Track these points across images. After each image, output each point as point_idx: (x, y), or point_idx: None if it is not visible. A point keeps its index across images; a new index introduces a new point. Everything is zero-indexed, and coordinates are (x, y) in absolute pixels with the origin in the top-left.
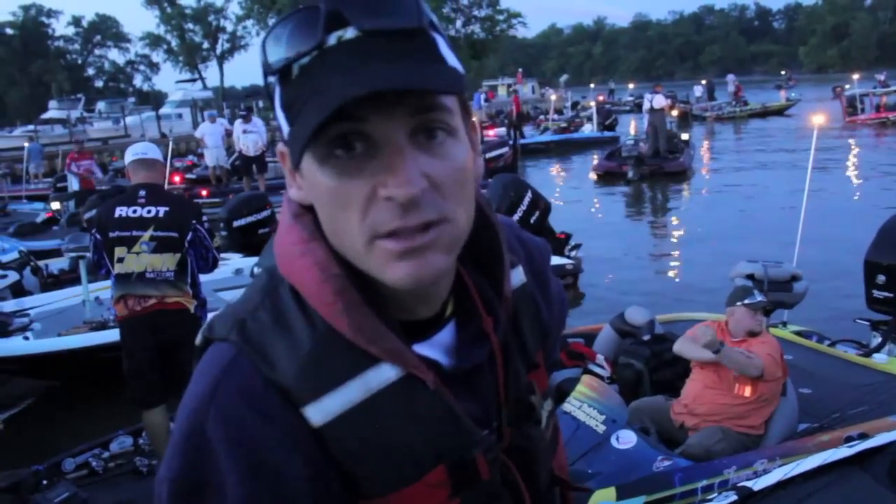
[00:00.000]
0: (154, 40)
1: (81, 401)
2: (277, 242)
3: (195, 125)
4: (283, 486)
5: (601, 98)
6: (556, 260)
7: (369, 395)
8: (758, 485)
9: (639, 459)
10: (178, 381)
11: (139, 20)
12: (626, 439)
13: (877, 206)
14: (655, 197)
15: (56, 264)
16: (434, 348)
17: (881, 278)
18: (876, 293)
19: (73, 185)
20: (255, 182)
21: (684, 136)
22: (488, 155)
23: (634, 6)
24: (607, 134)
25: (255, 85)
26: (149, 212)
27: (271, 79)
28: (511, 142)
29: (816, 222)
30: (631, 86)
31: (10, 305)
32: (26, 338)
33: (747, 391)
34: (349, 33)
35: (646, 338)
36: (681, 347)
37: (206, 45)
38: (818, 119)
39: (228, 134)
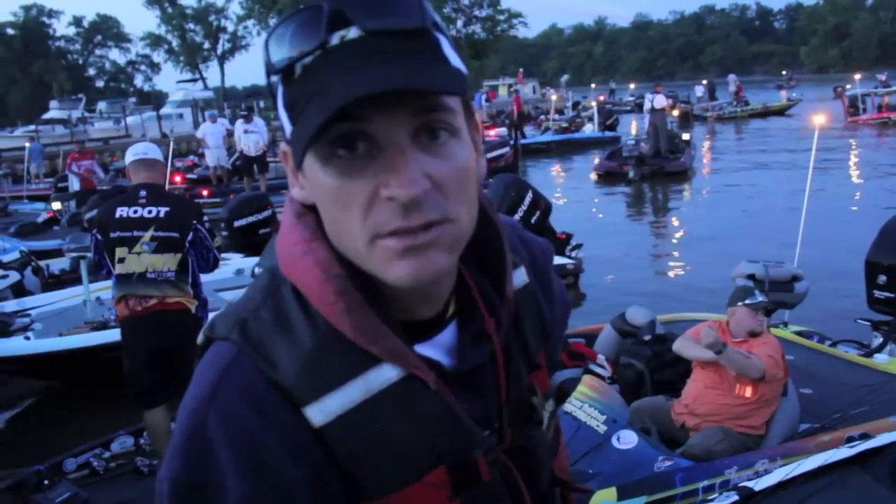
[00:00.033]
0: (155, 40)
1: (82, 401)
2: (279, 242)
3: (196, 125)
4: (284, 485)
5: (602, 98)
6: (557, 260)
7: (370, 396)
8: (759, 485)
9: (640, 459)
10: (178, 381)
11: (140, 20)
12: (627, 439)
13: (878, 206)
14: (656, 197)
15: (57, 264)
16: (435, 349)
17: (882, 278)
18: (877, 293)
19: (74, 185)
20: (255, 182)
21: (685, 136)
22: (489, 155)
23: (635, 6)
24: (608, 134)
25: (256, 85)
26: (150, 212)
27: (274, 78)
28: (512, 142)
29: (817, 222)
30: (632, 86)
31: (11, 305)
32: (27, 338)
33: (748, 391)
34: (352, 33)
35: (647, 338)
36: (680, 346)
37: (206, 45)
38: (819, 119)
39: (230, 134)
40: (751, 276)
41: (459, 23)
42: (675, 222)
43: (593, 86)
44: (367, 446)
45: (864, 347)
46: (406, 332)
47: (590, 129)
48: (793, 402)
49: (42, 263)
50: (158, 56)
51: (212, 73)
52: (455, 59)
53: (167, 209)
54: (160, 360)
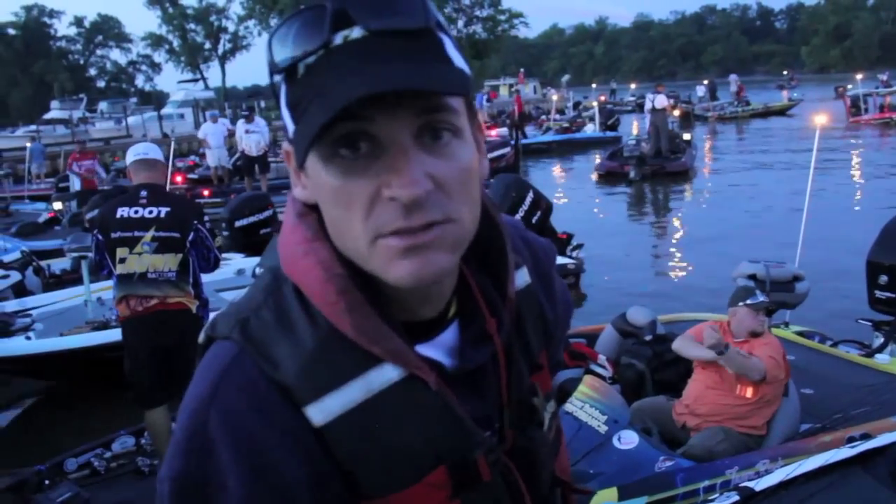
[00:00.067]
0: (156, 40)
1: (83, 401)
2: (281, 242)
3: (197, 125)
4: (284, 485)
5: (603, 98)
6: (558, 260)
7: (371, 396)
8: (760, 485)
9: (641, 460)
10: (179, 380)
11: (141, 20)
12: (628, 440)
13: (879, 206)
14: (657, 197)
15: (58, 264)
16: (436, 349)
17: (883, 279)
18: (878, 293)
19: (75, 185)
20: (256, 182)
21: (686, 137)
22: (490, 155)
23: (636, 6)
24: (609, 134)
25: (257, 85)
26: (150, 212)
27: (277, 78)
28: (513, 142)
29: (819, 223)
30: (633, 86)
31: (12, 305)
32: (28, 338)
33: (749, 392)
34: (355, 33)
35: (647, 338)
36: (680, 346)
37: (207, 45)
38: (820, 119)
39: (231, 134)
40: (752, 277)
41: (460, 23)
42: (676, 222)
43: (594, 86)
44: (368, 446)
45: (865, 348)
46: (407, 332)
47: (591, 130)
48: (794, 402)
49: (43, 263)
50: (159, 56)
51: (213, 73)
52: (459, 60)
53: (168, 209)
54: (161, 361)
